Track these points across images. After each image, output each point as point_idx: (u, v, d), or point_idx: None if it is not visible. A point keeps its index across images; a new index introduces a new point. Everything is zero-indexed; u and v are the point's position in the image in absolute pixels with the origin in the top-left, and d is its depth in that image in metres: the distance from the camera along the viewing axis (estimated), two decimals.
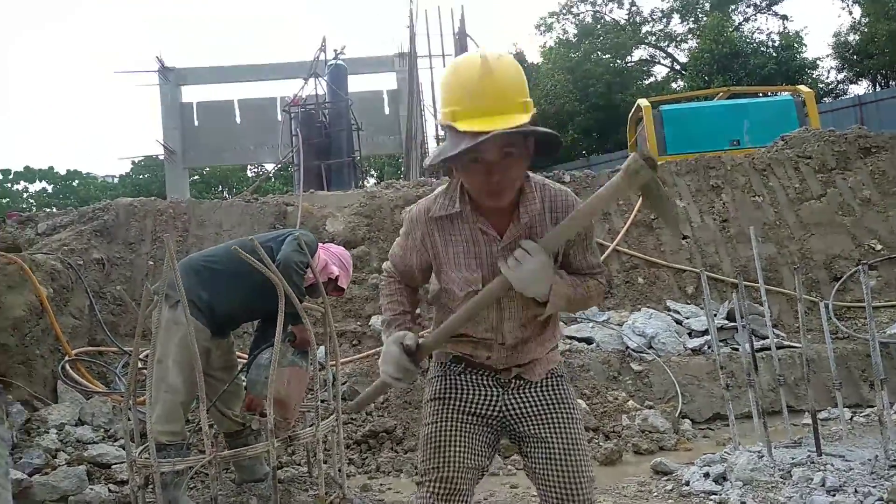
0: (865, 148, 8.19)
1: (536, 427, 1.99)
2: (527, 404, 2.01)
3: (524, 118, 1.71)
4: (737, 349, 5.76)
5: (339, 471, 3.85)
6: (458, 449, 1.94)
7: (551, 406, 2.01)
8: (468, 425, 1.99)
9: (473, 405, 2.01)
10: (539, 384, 2.04)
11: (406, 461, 4.64)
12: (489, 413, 2.02)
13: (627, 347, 6.02)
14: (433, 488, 1.91)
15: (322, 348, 4.45)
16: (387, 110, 20.34)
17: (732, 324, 5.94)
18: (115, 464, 4.37)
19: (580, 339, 6.12)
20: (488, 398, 2.02)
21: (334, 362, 4.06)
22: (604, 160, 19.26)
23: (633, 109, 13.01)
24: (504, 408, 2.02)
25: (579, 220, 1.84)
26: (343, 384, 5.19)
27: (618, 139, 19.76)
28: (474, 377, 2.03)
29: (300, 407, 4.16)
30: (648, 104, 12.03)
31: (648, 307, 6.75)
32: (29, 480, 3.87)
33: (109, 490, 4.17)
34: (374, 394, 2.17)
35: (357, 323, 6.60)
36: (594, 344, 6.09)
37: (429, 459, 1.95)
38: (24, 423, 4.62)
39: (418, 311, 2.30)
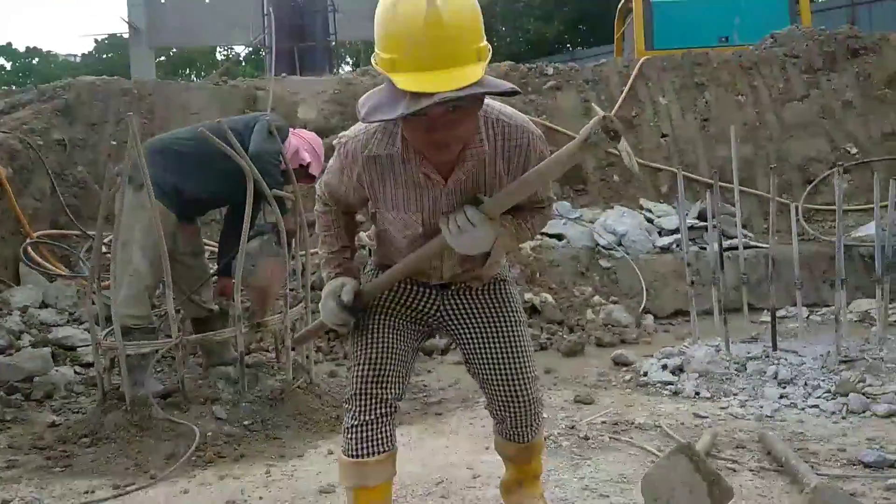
0: (854, 49, 8.01)
1: (478, 329, 1.94)
2: (467, 306, 1.95)
3: (477, 71, 1.47)
4: (705, 248, 5.82)
5: (307, 357, 3.90)
6: (385, 333, 1.89)
7: (493, 309, 1.95)
8: (398, 315, 1.94)
9: (408, 299, 1.94)
10: (480, 289, 1.96)
11: None
12: (424, 309, 1.96)
13: (598, 244, 6.05)
14: (360, 372, 1.86)
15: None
16: None
17: (703, 223, 5.97)
18: (81, 346, 4.39)
19: (551, 235, 6.13)
20: (425, 296, 1.95)
21: (304, 252, 4.03)
22: (590, 54, 18.70)
23: (622, 0, 12.51)
24: (442, 307, 1.95)
25: (530, 186, 1.69)
26: (313, 274, 5.18)
27: (606, 33, 19.14)
28: (411, 279, 1.94)
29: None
30: None
31: (622, 205, 6.75)
32: None
33: (75, 372, 4.20)
34: (315, 332, 2.12)
35: None
36: (565, 240, 6.11)
37: (355, 344, 1.91)
38: None
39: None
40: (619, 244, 6.07)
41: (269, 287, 3.84)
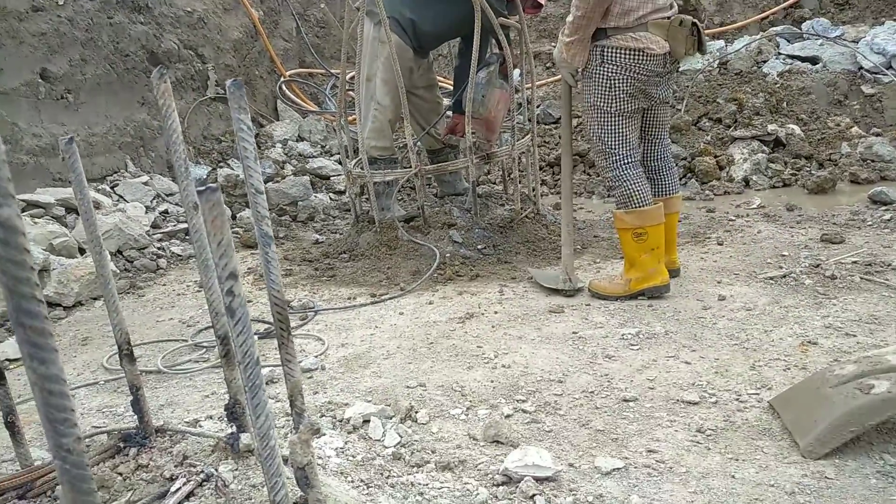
0: None
1: None
2: None
3: None
4: None
5: (533, 189, 4.00)
6: None
7: None
8: None
9: None
10: None
11: (598, 183, 4.69)
12: None
13: (861, 68, 5.25)
14: None
15: (517, 70, 4.38)
16: None
17: None
18: (334, 175, 4.90)
19: (803, 59, 5.42)
20: None
21: (530, 85, 4.00)
22: None
23: None
24: None
25: None
26: (538, 107, 5.17)
27: None
28: None
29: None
30: None
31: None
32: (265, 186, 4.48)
33: (330, 198, 4.73)
34: None
35: (551, 44, 6.33)
36: (820, 64, 5.38)
37: None
38: (254, 138, 5.23)
39: None
40: (889, 67, 5.21)
41: (496, 118, 3.92)
